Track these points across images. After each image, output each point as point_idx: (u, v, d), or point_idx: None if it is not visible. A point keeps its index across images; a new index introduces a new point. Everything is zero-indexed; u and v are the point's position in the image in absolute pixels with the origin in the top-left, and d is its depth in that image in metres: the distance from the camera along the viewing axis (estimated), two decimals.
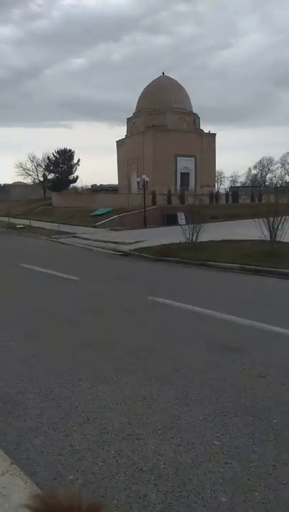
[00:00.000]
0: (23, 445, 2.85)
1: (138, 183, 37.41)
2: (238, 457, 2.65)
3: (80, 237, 20.37)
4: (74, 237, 20.89)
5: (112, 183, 57.87)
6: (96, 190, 55.37)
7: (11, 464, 2.63)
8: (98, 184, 63.02)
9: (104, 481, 2.46)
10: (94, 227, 26.73)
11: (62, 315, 6.31)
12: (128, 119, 51.34)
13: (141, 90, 50.48)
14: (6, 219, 33.31)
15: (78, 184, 55.77)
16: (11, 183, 63.52)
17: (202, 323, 5.71)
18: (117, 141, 52.62)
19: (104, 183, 62.16)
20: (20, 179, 58.87)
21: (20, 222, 30.61)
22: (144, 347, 4.75)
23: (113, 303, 7.14)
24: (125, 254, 14.65)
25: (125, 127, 51.95)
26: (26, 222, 29.71)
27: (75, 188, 55.11)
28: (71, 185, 54.88)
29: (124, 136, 51.69)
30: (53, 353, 4.61)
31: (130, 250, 14.99)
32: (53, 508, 0.65)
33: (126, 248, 15.57)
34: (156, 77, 49.73)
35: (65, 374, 4.01)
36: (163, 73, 50.01)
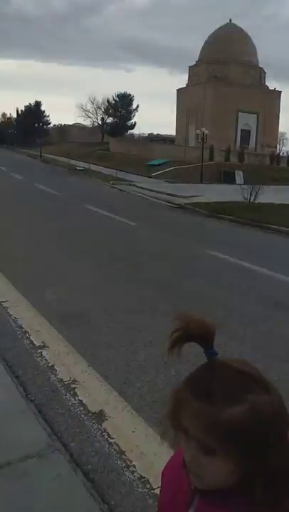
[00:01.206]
0: (97, 354, 3.35)
1: (197, 135, 36.32)
2: None
3: (136, 186, 20.58)
4: (130, 184, 21.14)
5: (168, 134, 56.44)
6: (152, 139, 54.40)
7: (88, 366, 3.15)
8: (155, 133, 61.73)
9: (166, 391, 2.89)
10: (149, 177, 26.74)
11: (121, 254, 6.75)
12: (190, 67, 48.82)
13: (205, 37, 47.36)
14: (65, 160, 33.98)
15: (135, 131, 55.03)
16: (70, 124, 63.75)
17: (256, 280, 5.93)
18: (177, 90, 50.56)
19: (162, 133, 60.75)
20: (80, 120, 58.88)
21: (80, 164, 31.14)
22: (198, 293, 5.08)
23: (169, 250, 7.47)
24: (180, 207, 14.78)
25: (186, 75, 49.58)
26: (85, 165, 30.18)
27: (132, 135, 54.47)
28: (128, 131, 54.22)
29: (184, 85, 49.51)
30: (117, 285, 5.09)
31: (185, 204, 15.08)
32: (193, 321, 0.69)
33: (181, 201, 15.65)
34: (222, 24, 46.29)
35: (129, 303, 4.47)
36: (230, 20, 46.39)
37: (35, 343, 3.43)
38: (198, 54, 47.86)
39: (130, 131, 54.26)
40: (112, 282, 5.25)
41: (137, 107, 52.56)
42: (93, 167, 29.43)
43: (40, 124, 53.70)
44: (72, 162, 32.39)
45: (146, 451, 2.24)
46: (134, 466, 2.14)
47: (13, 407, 2.58)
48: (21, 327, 3.70)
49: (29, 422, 2.45)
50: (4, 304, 4.16)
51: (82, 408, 2.63)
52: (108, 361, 3.25)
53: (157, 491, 1.84)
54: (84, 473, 2.09)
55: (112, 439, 2.35)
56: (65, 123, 65.51)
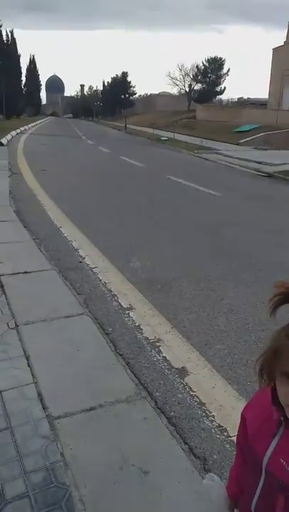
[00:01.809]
0: (179, 317, 3.55)
1: None
2: None
3: (222, 154, 20.02)
4: (216, 153, 20.61)
5: (260, 97, 53.10)
6: (242, 103, 51.71)
7: (172, 327, 3.37)
8: (245, 97, 58.56)
9: (245, 355, 3.01)
10: (237, 144, 25.73)
11: (205, 225, 6.80)
12: None
13: None
14: (150, 130, 34.11)
15: (224, 97, 52.81)
16: (156, 93, 63.23)
17: None
18: (273, 49, 46.84)
19: (253, 96, 57.34)
20: (168, 89, 58.09)
21: (164, 134, 31.05)
22: (285, 267, 4.98)
23: (256, 222, 7.31)
24: (269, 176, 14.14)
25: (285, 32, 45.55)
26: (170, 134, 29.99)
27: (221, 101, 52.39)
28: (217, 97, 52.25)
29: (282, 43, 45.64)
30: (199, 255, 5.21)
31: (275, 172, 14.37)
32: None
33: (271, 170, 14.93)
34: None
35: (211, 273, 4.58)
36: None
37: (122, 305, 3.74)
38: None
39: (219, 97, 52.25)
40: (195, 252, 5.38)
41: (228, 71, 50.20)
42: (178, 136, 29.13)
43: (126, 95, 54.14)
44: (157, 132, 32.40)
45: (225, 405, 2.41)
46: (213, 416, 2.33)
47: (104, 359, 2.90)
48: (110, 290, 4.03)
49: (118, 373, 2.75)
50: (94, 270, 4.54)
51: (166, 364, 2.87)
52: (190, 324, 3.44)
53: (234, 439, 2.01)
54: (167, 419, 2.33)
55: (193, 392, 2.56)
56: (152, 92, 65.24)
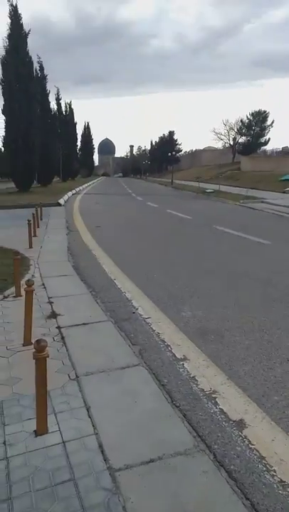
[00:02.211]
0: (234, 368, 3.54)
1: None
2: None
3: (268, 203, 20.08)
4: (262, 202, 20.71)
5: None
6: (288, 152, 52.10)
7: (227, 379, 3.36)
8: None
9: None
10: (283, 192, 25.73)
11: (256, 274, 6.79)
12: None
13: None
14: (195, 184, 35.09)
15: (269, 147, 53.67)
16: (201, 148, 65.62)
17: None
18: None
19: None
20: (213, 144, 60.16)
21: (210, 187, 31.78)
22: None
23: None
24: None
25: None
26: (215, 186, 30.67)
27: (265, 152, 53.19)
28: (262, 148, 53.20)
29: None
30: (251, 304, 5.19)
31: None
32: None
33: None
34: None
35: (264, 322, 4.54)
36: None
37: (177, 355, 3.79)
38: None
39: (263, 148, 53.28)
40: (246, 301, 5.37)
41: (272, 122, 51.53)
42: (223, 188, 29.71)
43: (173, 153, 56.66)
44: (202, 185, 33.23)
45: (286, 459, 2.35)
46: (275, 471, 2.27)
47: (162, 411, 2.94)
48: (164, 341, 4.12)
49: (176, 425, 2.77)
50: (148, 321, 4.66)
51: (223, 416, 2.85)
52: (246, 375, 3.41)
53: None
54: (227, 472, 2.31)
55: (252, 445, 2.52)
56: (197, 148, 67.87)
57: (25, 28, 27.10)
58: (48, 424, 2.70)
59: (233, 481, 2.24)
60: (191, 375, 3.43)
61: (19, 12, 26.75)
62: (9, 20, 26.62)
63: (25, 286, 4.11)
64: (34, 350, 2.63)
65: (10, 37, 26.54)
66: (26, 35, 27.21)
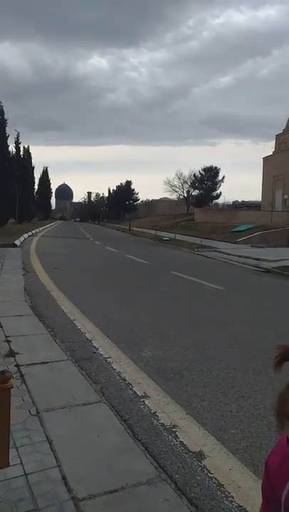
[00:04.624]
0: (193, 404, 3.69)
1: (285, 200, 36.39)
2: None
3: (221, 252, 21.06)
4: (215, 251, 21.69)
5: (254, 200, 57.15)
6: (237, 206, 55.44)
7: (186, 414, 3.50)
8: (240, 200, 62.91)
9: (259, 439, 3.11)
10: (235, 243, 27.11)
11: (212, 317, 7.11)
12: (277, 136, 50.35)
13: None
14: (152, 232, 36.12)
15: (220, 200, 56.92)
16: (157, 198, 68.22)
17: None
18: (264, 158, 51.99)
19: (247, 199, 61.72)
20: (167, 195, 62.86)
21: (166, 235, 32.83)
22: None
23: (257, 313, 7.62)
24: (267, 271, 14.78)
25: (271, 143, 51.00)
26: (171, 235, 31.76)
27: (217, 204, 56.30)
28: (214, 201, 56.37)
29: (271, 153, 50.82)
30: (208, 345, 5.43)
31: (273, 268, 15.06)
32: None
33: (268, 265, 15.66)
34: None
35: (220, 362, 4.77)
36: None
37: (137, 393, 3.88)
38: (284, 122, 49.41)
39: (215, 201, 56.51)
40: (203, 341, 5.60)
41: (223, 178, 55.14)
42: (179, 237, 30.82)
43: (130, 201, 58.40)
44: (159, 233, 34.28)
45: (243, 486, 2.49)
46: (233, 497, 2.40)
47: (124, 444, 3.00)
48: (125, 379, 4.20)
49: (138, 457, 2.83)
50: (108, 360, 4.74)
51: (183, 448, 2.96)
52: (204, 411, 3.56)
53: None
54: (188, 499, 2.40)
55: (211, 474, 2.64)
56: (153, 198, 70.61)
57: None
58: (10, 457, 2.68)
59: (194, 507, 2.34)
60: (152, 411, 3.52)
61: None
62: None
63: None
64: None
65: None
66: None
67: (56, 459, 2.74)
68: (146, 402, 3.70)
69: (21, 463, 2.68)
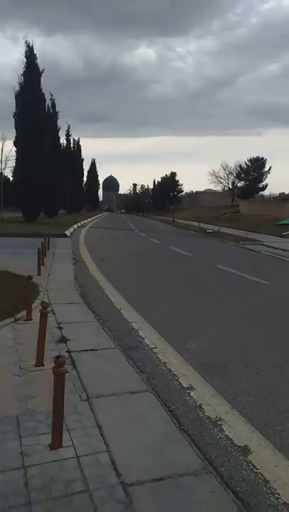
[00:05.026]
0: (238, 399, 3.69)
1: None
2: None
3: (266, 245, 20.53)
4: (260, 244, 21.17)
5: None
6: (285, 198, 53.53)
7: (231, 408, 3.52)
8: (287, 192, 60.69)
9: None
10: (281, 236, 26.30)
11: (257, 311, 7.00)
12: None
13: None
14: (196, 224, 35.80)
15: (266, 192, 55.28)
16: (201, 190, 67.35)
17: None
18: None
19: None
20: (212, 186, 61.89)
21: (210, 227, 32.44)
22: None
23: None
24: None
25: None
26: (215, 227, 31.32)
27: (263, 196, 54.70)
28: (260, 193, 54.78)
29: None
30: (253, 339, 5.38)
31: None
32: None
33: None
34: None
35: (266, 357, 4.72)
36: None
37: (183, 384, 3.94)
38: None
39: (261, 193, 54.94)
40: (248, 336, 5.56)
41: (270, 168, 53.41)
42: (223, 229, 30.32)
43: (175, 193, 58.14)
44: (203, 225, 33.92)
45: None
46: (279, 494, 2.41)
47: (170, 434, 3.08)
48: (170, 370, 4.27)
49: (185, 448, 2.90)
50: (154, 350, 4.83)
51: (228, 442, 2.99)
52: (249, 406, 3.56)
53: None
54: (234, 493, 2.44)
55: (257, 469, 2.66)
56: (197, 189, 69.79)
57: (40, 67, 28.52)
58: (62, 440, 2.83)
59: (239, 501, 2.37)
60: (197, 403, 3.57)
61: (34, 52, 28.27)
62: (25, 60, 28.06)
63: (41, 308, 4.31)
64: (54, 365, 2.82)
65: (25, 74, 27.85)
66: (40, 73, 28.62)
67: (106, 444, 2.87)
68: (192, 394, 3.76)
69: (73, 445, 2.83)
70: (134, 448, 2.83)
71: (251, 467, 2.69)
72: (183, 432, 3.10)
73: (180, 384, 3.96)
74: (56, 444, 2.79)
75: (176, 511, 2.28)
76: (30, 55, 28.09)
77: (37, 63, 28.40)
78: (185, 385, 3.92)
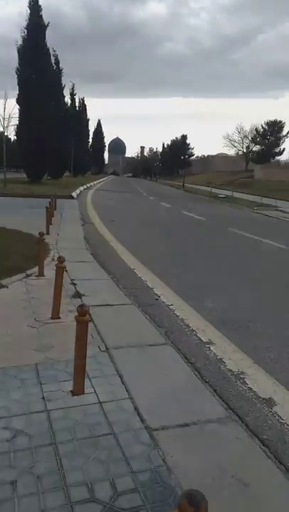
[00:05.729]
0: (260, 355, 3.63)
1: None
2: None
3: (282, 211, 20.15)
4: (276, 210, 20.78)
5: None
6: None
7: (254, 363, 3.46)
8: None
9: None
10: None
11: (273, 273, 6.88)
12: None
13: None
14: (207, 189, 35.15)
15: (284, 157, 53.80)
16: (214, 154, 65.74)
17: None
18: None
19: None
20: (225, 150, 60.29)
21: (222, 192, 31.85)
22: None
23: None
24: None
25: None
26: (228, 192, 30.73)
27: (279, 161, 53.28)
28: (276, 157, 53.30)
29: None
30: (270, 299, 5.29)
31: None
32: None
33: None
34: None
35: (285, 316, 4.63)
36: None
37: (202, 339, 3.89)
38: None
39: (278, 158, 53.35)
40: (266, 296, 5.46)
41: (288, 133, 51.58)
42: (236, 194, 29.76)
43: (185, 157, 56.82)
44: (214, 190, 33.30)
45: None
46: None
47: (192, 384, 3.04)
48: (189, 326, 4.21)
49: (207, 397, 2.86)
50: (171, 307, 4.76)
51: (252, 394, 2.94)
52: (272, 361, 3.50)
53: None
54: (260, 440, 2.40)
55: (282, 420, 2.61)
56: (209, 154, 68.05)
57: (44, 20, 26.61)
58: (84, 386, 2.80)
59: (266, 447, 2.33)
60: (218, 357, 3.52)
61: (39, 3, 26.25)
62: (28, 11, 26.10)
63: (57, 262, 4.23)
64: (77, 313, 2.75)
65: (29, 27, 26.01)
66: (45, 26, 26.71)
67: (127, 391, 2.83)
68: (212, 348, 3.70)
69: (95, 392, 2.80)
70: (156, 396, 2.79)
71: (277, 418, 2.65)
72: (205, 382, 3.06)
73: (199, 339, 3.90)
74: (79, 389, 2.76)
75: (202, 454, 2.25)
76: (34, 5, 26.12)
77: (42, 15, 26.46)
78: (205, 340, 3.87)
